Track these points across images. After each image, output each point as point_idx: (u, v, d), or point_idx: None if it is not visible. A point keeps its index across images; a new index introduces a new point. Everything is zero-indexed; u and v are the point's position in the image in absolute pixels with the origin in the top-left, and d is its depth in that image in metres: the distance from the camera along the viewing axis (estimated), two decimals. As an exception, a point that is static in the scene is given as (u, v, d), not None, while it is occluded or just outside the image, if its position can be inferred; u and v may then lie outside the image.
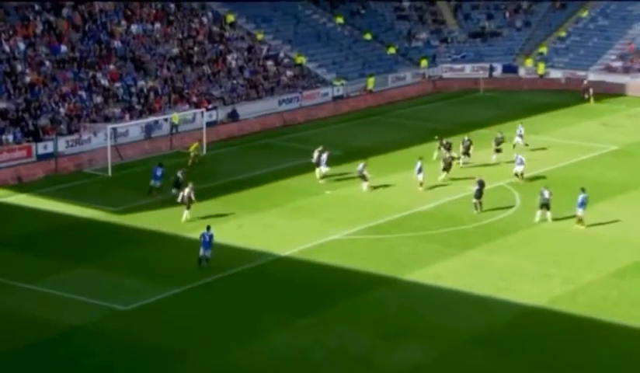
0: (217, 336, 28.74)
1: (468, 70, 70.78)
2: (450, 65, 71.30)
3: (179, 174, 41.50)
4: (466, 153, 47.06)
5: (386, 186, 43.82)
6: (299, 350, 27.90)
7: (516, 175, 43.88)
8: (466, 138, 47.67)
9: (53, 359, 27.11)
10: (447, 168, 44.35)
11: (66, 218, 39.56)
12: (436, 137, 48.23)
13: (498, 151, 47.72)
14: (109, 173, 45.96)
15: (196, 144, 47.75)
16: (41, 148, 47.68)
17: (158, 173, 41.27)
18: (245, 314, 30.26)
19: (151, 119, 52.12)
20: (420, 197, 41.82)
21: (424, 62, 70.33)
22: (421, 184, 43.67)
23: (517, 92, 67.32)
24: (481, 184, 39.87)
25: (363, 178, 42.79)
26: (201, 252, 33.70)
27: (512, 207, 40.57)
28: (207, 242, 33.65)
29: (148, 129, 50.65)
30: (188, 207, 38.31)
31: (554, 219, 38.06)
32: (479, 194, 39.68)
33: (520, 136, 49.74)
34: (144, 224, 38.41)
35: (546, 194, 38.41)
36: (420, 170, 43.73)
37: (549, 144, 52.12)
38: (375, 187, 42.73)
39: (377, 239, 37.11)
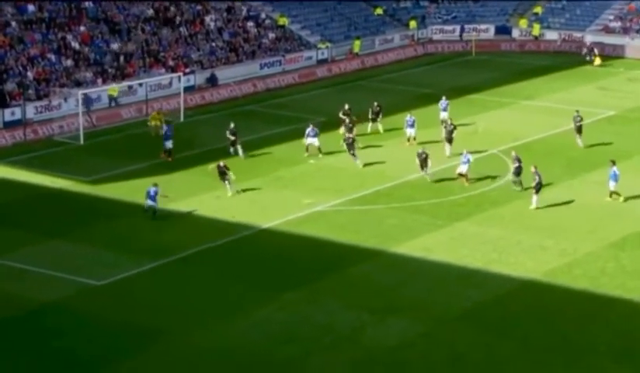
0: (197, 312, 28.74)
1: (459, 32, 70.52)
2: (441, 27, 71.09)
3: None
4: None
5: (373, 152, 43.79)
6: (284, 325, 27.97)
7: (461, 175, 39.64)
8: (375, 104, 46.71)
9: (22, 337, 27.03)
10: (450, 139, 43.01)
11: (36, 189, 39.34)
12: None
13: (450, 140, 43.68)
14: (81, 141, 45.67)
15: (155, 114, 47.02)
16: (8, 114, 47.28)
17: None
18: (226, 289, 30.28)
19: (125, 83, 51.73)
20: (408, 167, 41.77)
21: (413, 24, 70.06)
22: (408, 140, 43.82)
23: (511, 55, 67.29)
24: (520, 160, 38.45)
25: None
26: (147, 203, 35.22)
27: (504, 177, 40.62)
28: (152, 196, 35.25)
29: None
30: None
31: (545, 185, 37.98)
32: (519, 171, 38.21)
33: (445, 110, 47.03)
34: (117, 195, 38.25)
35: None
36: (412, 125, 43.92)
37: (544, 110, 52.20)
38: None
39: (364, 210, 37.14)
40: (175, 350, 26.47)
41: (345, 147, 42.07)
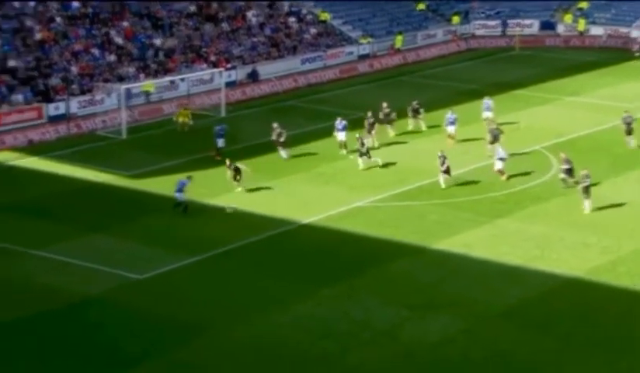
0: (237, 306, 28.93)
1: (501, 27, 69.99)
2: (484, 22, 70.64)
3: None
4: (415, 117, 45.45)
5: (413, 148, 43.68)
6: (322, 320, 28.04)
7: (500, 171, 39.24)
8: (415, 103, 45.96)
9: (64, 330, 27.42)
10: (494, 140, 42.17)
11: (79, 183, 39.85)
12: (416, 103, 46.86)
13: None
14: (123, 136, 46.16)
15: (182, 110, 47.07)
16: (52, 109, 47.96)
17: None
18: (266, 284, 30.42)
19: (167, 78, 52.16)
20: (451, 162, 41.55)
21: (456, 19, 69.73)
22: (449, 136, 43.49)
23: (555, 50, 66.64)
24: (570, 162, 37.72)
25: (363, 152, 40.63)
26: (179, 198, 35.42)
27: (547, 173, 40.27)
28: (179, 188, 35.62)
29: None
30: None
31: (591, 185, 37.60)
32: (570, 173, 37.52)
33: (489, 110, 46.12)
34: (158, 190, 38.61)
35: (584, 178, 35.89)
36: (453, 122, 43.60)
37: (589, 106, 51.63)
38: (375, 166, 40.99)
39: (404, 207, 37.07)
40: (215, 344, 26.68)
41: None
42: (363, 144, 40.88)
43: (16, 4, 53.23)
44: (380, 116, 45.67)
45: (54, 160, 42.68)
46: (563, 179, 38.09)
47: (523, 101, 52.98)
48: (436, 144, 44.45)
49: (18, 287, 30.00)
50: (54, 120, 47.54)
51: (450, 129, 44.29)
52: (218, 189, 38.06)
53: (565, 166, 37.98)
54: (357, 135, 41.88)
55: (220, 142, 42.58)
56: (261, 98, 54.27)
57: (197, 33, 57.88)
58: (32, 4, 53.75)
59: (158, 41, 55.61)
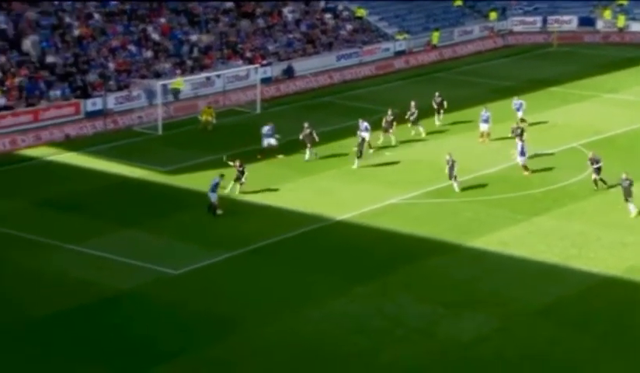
0: (271, 302, 28.94)
1: (540, 23, 69.42)
2: (521, 18, 70.03)
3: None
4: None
5: (448, 145, 43.37)
6: (356, 317, 27.95)
7: (525, 167, 39.29)
8: (389, 113, 44.16)
9: (99, 324, 27.60)
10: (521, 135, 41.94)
11: (115, 178, 40.12)
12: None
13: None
14: (159, 132, 46.40)
15: (206, 108, 47.03)
16: (90, 104, 48.34)
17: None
18: (300, 280, 30.40)
19: (202, 75, 52.33)
20: (485, 160, 41.30)
21: (493, 15, 69.23)
22: (482, 135, 43.06)
23: (594, 47, 65.88)
24: (598, 161, 37.25)
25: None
26: (211, 198, 35.00)
27: (585, 171, 39.79)
28: (213, 187, 35.06)
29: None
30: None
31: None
32: (599, 171, 37.15)
33: (519, 110, 45.66)
34: (194, 186, 38.73)
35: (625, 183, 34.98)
36: (486, 120, 43.14)
37: (628, 103, 50.98)
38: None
39: (439, 204, 36.85)
40: (249, 340, 26.70)
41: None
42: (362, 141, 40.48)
43: (56, 1, 53.72)
44: (407, 115, 45.34)
45: (91, 155, 43.01)
46: (595, 181, 37.28)
47: (560, 98, 52.47)
48: (470, 141, 44.20)
49: (53, 281, 30.26)
50: (91, 115, 47.90)
51: (484, 127, 43.91)
52: (253, 185, 38.07)
53: (595, 166, 37.27)
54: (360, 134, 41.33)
55: (267, 142, 41.92)
56: (296, 94, 54.27)
57: (233, 30, 58.01)
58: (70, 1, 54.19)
59: (194, 37, 55.81)
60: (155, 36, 54.68)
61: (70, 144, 44.83)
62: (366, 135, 42.28)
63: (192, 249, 32.64)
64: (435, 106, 46.71)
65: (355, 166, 40.21)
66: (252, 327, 27.38)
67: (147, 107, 48.46)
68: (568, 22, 69.34)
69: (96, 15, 54.29)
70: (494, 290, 29.76)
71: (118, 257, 31.88)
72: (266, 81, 53.68)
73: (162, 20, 56.17)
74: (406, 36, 63.76)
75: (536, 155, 39.74)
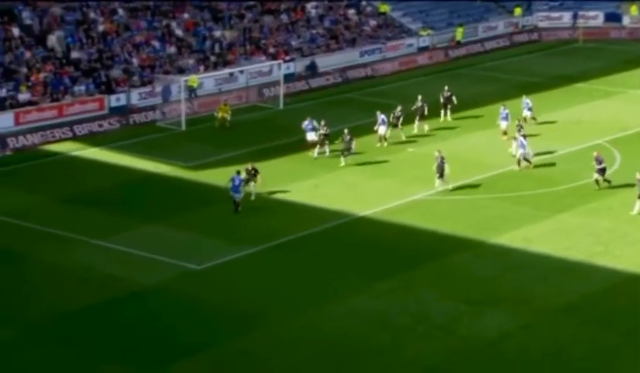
0: (294, 297, 29.06)
1: (566, 18, 69.04)
2: (547, 14, 69.69)
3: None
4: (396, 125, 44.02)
5: (471, 141, 43.31)
6: (379, 313, 28.01)
7: (526, 160, 39.29)
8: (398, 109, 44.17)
9: (125, 318, 27.84)
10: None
11: (139, 173, 40.38)
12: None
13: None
14: (183, 127, 46.63)
15: (222, 105, 46.98)
16: (114, 100, 48.65)
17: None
18: (323, 276, 30.49)
19: (226, 71, 52.51)
20: (509, 156, 41.17)
21: (518, 10, 68.92)
22: (505, 133, 42.99)
23: (620, 43, 65.43)
24: (602, 161, 36.84)
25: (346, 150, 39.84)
26: (236, 198, 34.71)
27: (611, 167, 39.57)
28: (237, 186, 34.71)
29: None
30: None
31: None
32: (603, 172, 36.76)
33: (529, 109, 45.12)
34: (217, 181, 38.88)
35: None
36: (505, 117, 42.99)
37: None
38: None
39: (463, 200, 36.79)
40: (272, 335, 26.83)
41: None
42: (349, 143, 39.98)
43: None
44: (442, 100, 45.71)
45: (115, 151, 43.30)
46: (597, 180, 36.91)
47: (586, 94, 52.19)
48: (493, 137, 44.06)
49: (79, 276, 30.53)
50: (115, 111, 48.22)
51: (503, 124, 43.49)
52: (275, 181, 38.20)
53: (599, 166, 36.81)
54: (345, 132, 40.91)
55: (310, 136, 41.87)
56: (319, 90, 54.34)
57: (257, 25, 58.16)
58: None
59: (217, 33, 56.02)
60: (179, 32, 54.93)
61: (94, 139, 45.15)
62: (382, 129, 42.41)
63: (215, 244, 32.81)
64: (442, 101, 46.59)
65: (341, 163, 39.87)
66: (275, 322, 27.51)
67: (170, 103, 48.68)
68: (594, 17, 68.90)
69: (120, 11, 54.61)
70: (517, 287, 29.70)
71: (142, 252, 32.11)
72: (289, 77, 53.77)
73: (186, 16, 56.41)
74: (430, 31, 63.63)
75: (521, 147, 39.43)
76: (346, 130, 40.90)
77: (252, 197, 36.30)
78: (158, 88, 49.43)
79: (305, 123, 42.46)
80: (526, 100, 45.37)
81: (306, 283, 30.08)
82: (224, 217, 35.34)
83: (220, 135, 45.74)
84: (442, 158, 37.13)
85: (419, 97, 45.39)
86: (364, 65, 58.19)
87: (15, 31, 49.75)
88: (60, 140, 44.76)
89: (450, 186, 37.31)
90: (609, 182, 37.01)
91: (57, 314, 27.96)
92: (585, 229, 33.76)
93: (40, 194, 37.73)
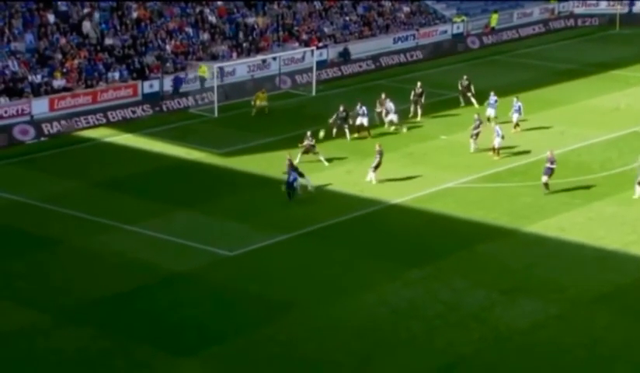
0: (324, 286, 29.00)
1: (604, 5, 68.10)
2: (583, 0, 68.73)
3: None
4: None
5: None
6: (410, 302, 27.87)
7: (493, 149, 38.73)
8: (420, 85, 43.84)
9: (156, 304, 27.96)
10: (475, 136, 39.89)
11: (171, 160, 40.51)
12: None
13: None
14: (215, 114, 46.69)
15: (260, 93, 46.91)
16: (147, 86, 48.78)
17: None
18: (354, 264, 30.40)
19: (259, 57, 52.45)
20: (543, 144, 40.74)
21: (553, -4, 68.08)
22: (516, 125, 42.05)
23: (658, 29, 64.53)
24: (554, 161, 35.07)
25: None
26: (294, 185, 34.60)
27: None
28: (291, 183, 34.75)
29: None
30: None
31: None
32: (550, 172, 34.99)
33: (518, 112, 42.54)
34: (249, 168, 38.94)
35: None
36: (518, 110, 42.17)
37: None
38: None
39: (496, 188, 36.48)
40: (302, 322, 26.81)
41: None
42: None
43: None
44: (460, 87, 45.73)
45: (148, 137, 43.46)
46: (545, 184, 35.00)
47: (622, 81, 51.49)
48: (525, 124, 43.60)
49: (112, 261, 30.70)
50: (149, 97, 48.37)
51: (515, 116, 42.35)
52: (307, 167, 38.12)
53: (549, 166, 34.95)
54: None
55: (365, 121, 41.80)
56: (352, 77, 54.12)
57: (290, 12, 58.00)
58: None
59: (251, 20, 55.95)
60: (212, 19, 54.93)
61: (127, 125, 45.36)
62: (364, 120, 42.11)
63: (247, 230, 32.84)
64: (460, 89, 46.12)
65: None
66: (306, 310, 27.48)
67: (203, 89, 48.72)
68: (631, 4, 67.83)
69: (154, -1, 54.71)
70: (551, 276, 29.41)
71: (174, 238, 32.22)
72: (321, 63, 53.59)
73: (219, 2, 56.39)
74: (464, 18, 63.07)
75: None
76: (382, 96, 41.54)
77: (310, 189, 35.92)
78: (192, 75, 49.47)
79: (357, 108, 42.41)
80: (517, 103, 42.67)
81: (337, 271, 30.01)
82: (257, 203, 35.35)
83: (252, 122, 45.73)
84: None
85: (418, 83, 45.30)
86: (397, 52, 57.80)
87: (51, 17, 50.05)
88: (94, 126, 45.02)
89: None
90: (547, 187, 35.17)
91: (90, 299, 28.15)
92: (619, 218, 33.34)
93: (73, 180, 38.00)
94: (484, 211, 34.10)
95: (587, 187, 36.25)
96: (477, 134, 39.35)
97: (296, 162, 37.10)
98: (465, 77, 46.87)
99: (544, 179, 35.37)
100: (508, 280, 29.12)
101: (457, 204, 34.86)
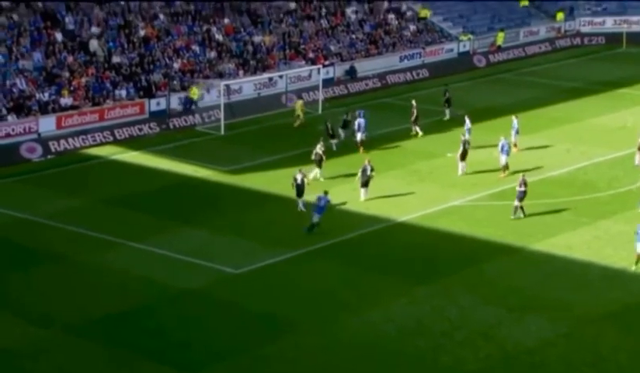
0: (331, 302, 28.92)
1: (610, 24, 68.21)
2: (590, 18, 68.85)
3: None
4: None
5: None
6: (416, 319, 27.77)
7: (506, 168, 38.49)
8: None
9: (161, 322, 27.89)
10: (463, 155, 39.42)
11: (177, 177, 40.54)
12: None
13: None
14: (222, 132, 46.76)
15: (299, 103, 47.46)
16: (154, 104, 48.90)
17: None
18: (360, 281, 30.31)
19: (265, 75, 52.57)
20: (550, 163, 40.71)
21: (560, 15, 68.20)
22: (514, 145, 41.63)
23: (665, 48, 64.53)
24: (526, 184, 34.56)
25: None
26: (315, 218, 33.49)
27: (654, 174, 38.99)
28: (322, 207, 33.55)
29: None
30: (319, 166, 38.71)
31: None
32: (522, 196, 34.47)
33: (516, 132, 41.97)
34: (256, 185, 38.94)
35: None
36: (517, 131, 41.78)
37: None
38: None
39: (503, 206, 36.40)
40: (308, 340, 26.72)
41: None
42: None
43: (122, 2, 54.53)
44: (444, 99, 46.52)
45: (155, 155, 43.53)
46: (521, 207, 34.49)
47: (628, 99, 51.46)
48: (533, 142, 43.55)
49: (118, 278, 30.67)
50: (156, 115, 48.49)
51: (513, 137, 41.73)
52: (313, 185, 38.09)
53: (520, 189, 34.49)
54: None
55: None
56: (358, 95, 54.18)
57: (296, 30, 58.19)
58: (136, 2, 54.96)
59: (257, 38, 56.15)
60: (219, 37, 55.14)
61: (134, 143, 45.44)
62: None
63: (253, 248, 32.80)
64: (444, 101, 46.84)
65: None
66: (312, 327, 27.39)
67: (210, 107, 48.81)
68: (638, 22, 67.94)
69: (161, 16, 54.96)
70: (558, 294, 29.29)
71: (180, 256, 32.19)
72: (328, 81, 53.69)
73: (226, 21, 56.62)
74: (470, 36, 63.20)
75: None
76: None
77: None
78: (176, 97, 49.41)
79: (358, 113, 43.20)
80: (514, 123, 41.78)
81: (343, 288, 29.93)
82: (263, 221, 35.32)
83: (259, 140, 45.78)
84: (370, 169, 36.38)
85: (413, 102, 45.69)
86: (403, 70, 57.87)
87: (58, 36, 50.29)
88: (101, 144, 45.12)
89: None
90: (523, 212, 34.75)
91: (95, 316, 28.10)
92: (626, 236, 33.19)
93: (80, 197, 38.04)
94: (490, 229, 34.03)
95: (594, 205, 36.14)
96: (464, 155, 38.91)
97: (310, 177, 37.24)
98: (446, 89, 47.40)
99: (516, 202, 34.65)
100: (515, 298, 29.00)
101: (464, 222, 34.78)
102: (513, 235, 33.56)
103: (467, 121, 42.56)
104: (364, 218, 35.29)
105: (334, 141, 43.14)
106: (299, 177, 35.80)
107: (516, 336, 26.86)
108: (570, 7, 69.39)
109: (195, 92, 48.91)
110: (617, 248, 32.37)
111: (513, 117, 42.71)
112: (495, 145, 39.91)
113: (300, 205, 35.88)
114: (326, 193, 34.16)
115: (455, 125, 45.25)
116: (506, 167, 39.00)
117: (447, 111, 47.28)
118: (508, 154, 38.97)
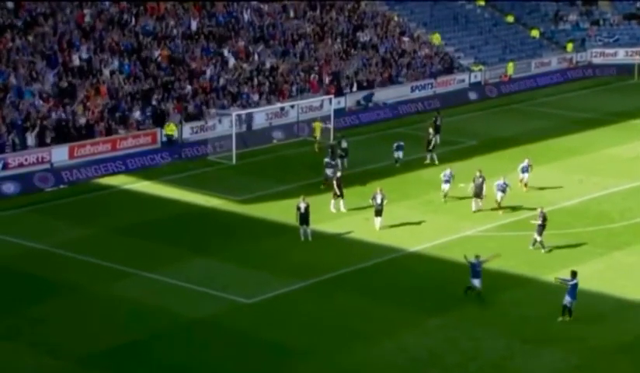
0: (343, 332, 28.94)
1: (622, 55, 68.46)
2: (601, 50, 69.14)
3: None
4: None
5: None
6: (429, 350, 27.76)
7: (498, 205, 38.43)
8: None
9: (173, 352, 27.92)
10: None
11: (189, 207, 40.72)
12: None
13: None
14: (234, 161, 47.00)
15: (319, 124, 47.98)
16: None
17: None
18: (372, 311, 30.34)
19: (277, 105, 52.87)
20: (564, 193, 40.76)
21: (570, 46, 68.51)
22: (525, 185, 41.24)
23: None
24: (545, 218, 34.52)
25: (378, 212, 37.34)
26: (476, 284, 31.00)
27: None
28: (478, 270, 30.97)
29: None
30: (339, 196, 38.59)
31: None
32: (541, 230, 34.45)
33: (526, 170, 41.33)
34: (267, 215, 39.07)
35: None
36: (526, 169, 41.19)
37: None
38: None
39: (515, 236, 36.44)
40: (322, 371, 26.74)
41: None
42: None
43: (136, 27, 54.92)
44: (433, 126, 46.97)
45: (167, 184, 43.74)
46: (535, 241, 34.47)
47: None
48: (549, 172, 43.62)
49: (129, 308, 30.75)
50: (167, 145, 48.75)
51: (524, 176, 41.41)
52: (326, 214, 38.24)
53: (540, 222, 34.43)
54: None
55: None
56: (370, 124, 54.42)
57: (311, 56, 58.41)
58: (150, 27, 55.27)
59: (271, 62, 56.37)
60: (233, 61, 55.40)
61: (146, 172, 45.69)
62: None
63: (265, 277, 32.89)
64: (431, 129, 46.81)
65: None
66: (324, 358, 27.40)
67: (222, 137, 49.09)
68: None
69: (176, 40, 55.28)
70: (571, 326, 29.24)
71: (192, 285, 32.29)
72: (340, 112, 53.96)
73: (240, 44, 56.85)
74: (482, 67, 63.51)
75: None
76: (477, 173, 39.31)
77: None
78: (211, 122, 49.80)
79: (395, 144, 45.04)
80: (525, 163, 41.32)
81: (355, 318, 29.95)
82: (275, 250, 35.42)
83: (270, 169, 45.99)
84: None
85: (430, 129, 46.37)
86: (415, 101, 58.15)
87: (75, 57, 50.52)
88: (114, 173, 45.39)
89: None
90: (543, 246, 34.71)
91: (106, 346, 28.17)
92: (639, 267, 33.23)
93: (92, 227, 38.23)
94: (503, 260, 34.01)
95: (607, 236, 36.14)
96: (479, 193, 38.37)
97: (332, 209, 37.49)
98: (437, 112, 48.14)
99: (536, 236, 34.67)
100: (528, 330, 28.98)
101: (477, 253, 34.71)
102: (526, 265, 33.57)
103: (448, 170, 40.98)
104: (377, 248, 35.36)
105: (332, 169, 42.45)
106: (302, 205, 35.97)
107: (529, 367, 26.82)
108: (582, 38, 69.70)
109: (172, 129, 48.68)
110: (630, 279, 32.33)
111: (526, 160, 41.83)
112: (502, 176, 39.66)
113: (304, 233, 35.91)
114: (477, 256, 31.39)
115: (469, 155, 45.20)
116: (499, 205, 38.51)
117: (437, 137, 47.12)
118: (504, 191, 38.63)
